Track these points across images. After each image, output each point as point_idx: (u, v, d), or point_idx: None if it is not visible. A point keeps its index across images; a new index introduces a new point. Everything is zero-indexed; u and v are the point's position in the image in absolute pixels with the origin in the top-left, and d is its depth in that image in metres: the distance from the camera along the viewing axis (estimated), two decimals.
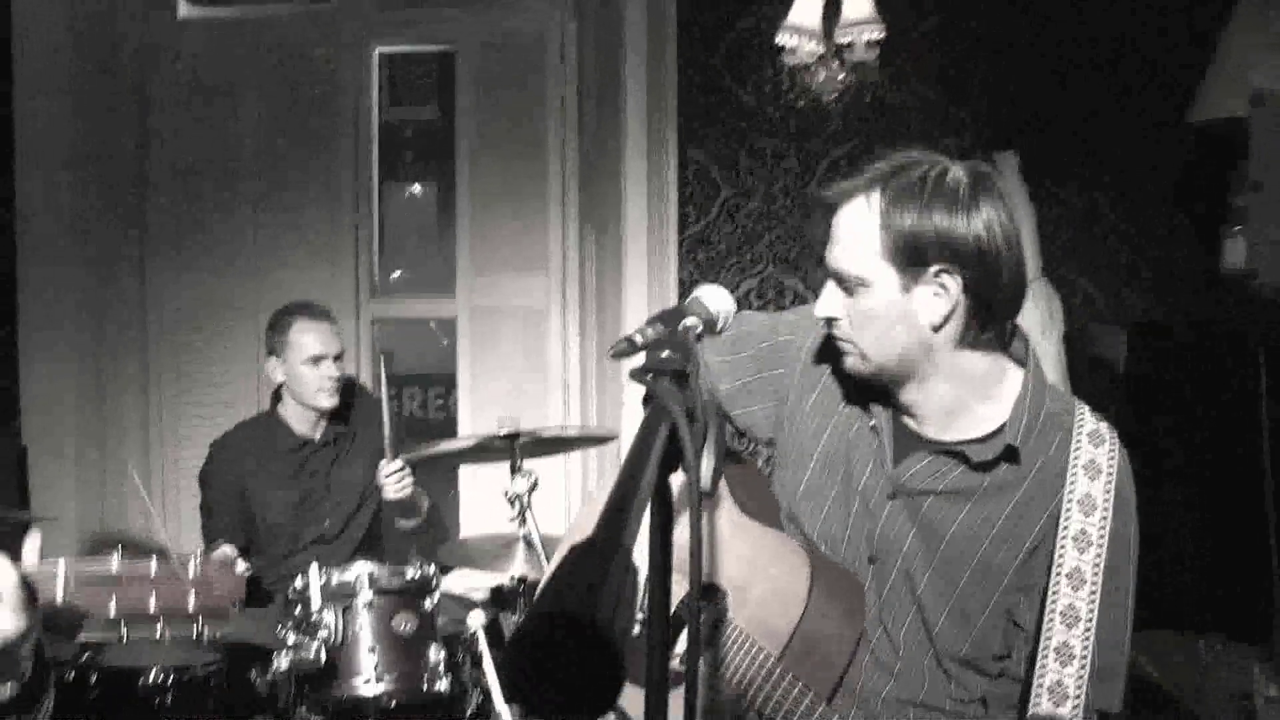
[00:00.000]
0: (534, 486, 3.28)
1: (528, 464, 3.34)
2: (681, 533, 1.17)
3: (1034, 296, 4.00)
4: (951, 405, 1.85)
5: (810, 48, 4.22)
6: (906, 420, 1.91)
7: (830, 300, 1.83)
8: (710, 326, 1.60)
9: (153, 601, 1.86)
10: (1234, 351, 3.54)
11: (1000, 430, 1.83)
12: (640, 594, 1.98)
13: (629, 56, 4.33)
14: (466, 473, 5.01)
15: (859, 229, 1.75)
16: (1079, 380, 3.92)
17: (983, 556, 1.83)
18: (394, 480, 3.58)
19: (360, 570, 3.08)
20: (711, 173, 4.45)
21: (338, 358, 3.79)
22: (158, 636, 1.86)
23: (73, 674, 3.09)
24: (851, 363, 1.85)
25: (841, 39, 4.22)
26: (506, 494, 3.28)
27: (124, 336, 4.99)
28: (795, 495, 2.00)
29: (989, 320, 1.78)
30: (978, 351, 1.82)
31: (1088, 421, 1.83)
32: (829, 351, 1.96)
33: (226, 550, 3.32)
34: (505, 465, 3.35)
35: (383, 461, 3.59)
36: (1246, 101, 2.77)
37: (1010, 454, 1.81)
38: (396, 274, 8.51)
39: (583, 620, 0.64)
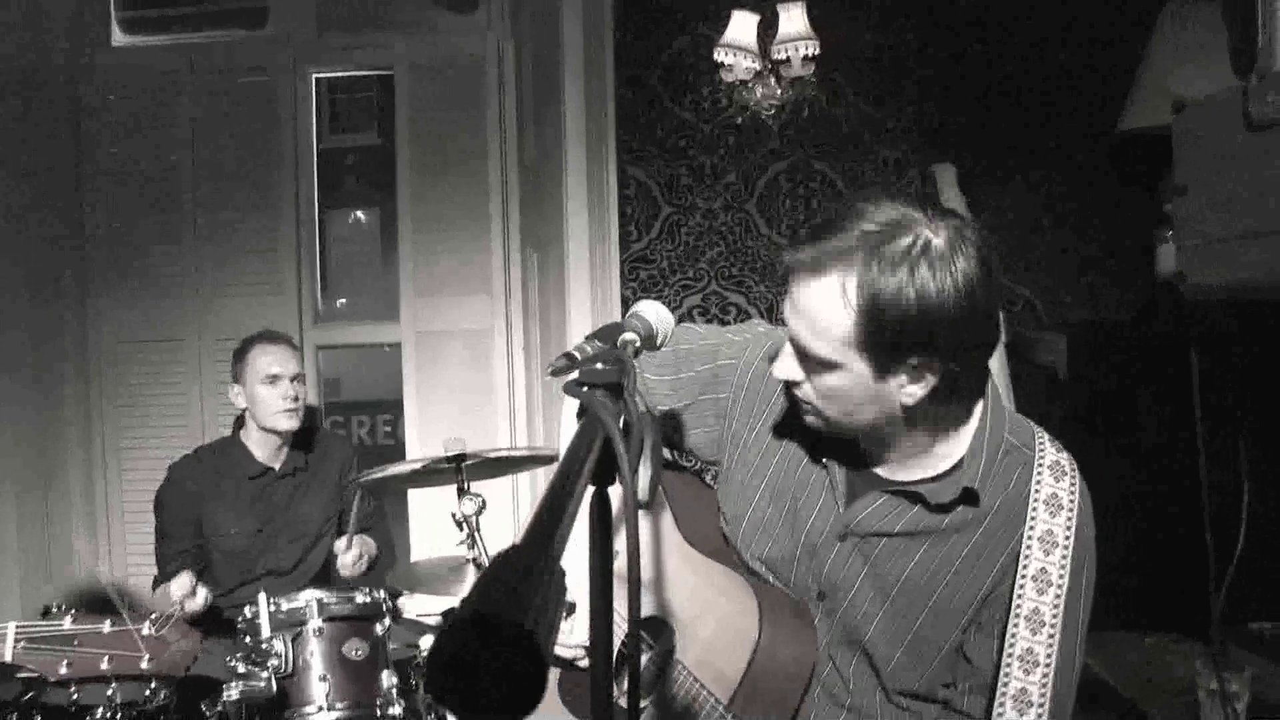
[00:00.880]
0: (482, 508, 3.28)
1: (475, 486, 3.34)
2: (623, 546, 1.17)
3: None
4: (909, 449, 1.77)
5: (747, 64, 4.28)
6: (859, 459, 1.83)
7: (790, 366, 1.69)
8: (649, 341, 1.59)
9: (104, 662, 1.83)
10: (1169, 353, 3.61)
11: (958, 466, 1.75)
12: (566, 610, 1.97)
13: (567, 77, 4.35)
14: (415, 496, 4.99)
15: (829, 313, 1.57)
16: (1021, 385, 3.97)
17: (939, 599, 1.76)
18: (349, 565, 3.61)
19: (309, 597, 3.07)
20: (652, 191, 4.48)
21: (295, 379, 3.80)
22: (108, 694, 1.83)
23: (14, 715, 3.04)
24: (811, 420, 1.74)
25: (778, 55, 4.27)
26: (455, 516, 3.28)
27: (64, 366, 4.94)
28: (740, 524, 1.94)
29: (963, 385, 1.68)
30: (948, 405, 1.71)
31: (1048, 453, 1.76)
32: (775, 380, 1.89)
33: (183, 581, 3.27)
34: (453, 488, 3.35)
35: (340, 542, 3.61)
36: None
37: (968, 496, 1.73)
38: (341, 301, 8.47)
39: (504, 622, 0.65)
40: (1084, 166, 4.38)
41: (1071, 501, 1.72)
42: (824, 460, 1.84)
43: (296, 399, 3.79)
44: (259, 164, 5.00)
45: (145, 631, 1.92)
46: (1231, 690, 2.64)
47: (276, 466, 3.86)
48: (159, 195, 5.00)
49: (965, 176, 4.19)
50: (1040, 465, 1.75)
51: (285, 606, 3.05)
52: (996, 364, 4.00)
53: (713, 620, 1.85)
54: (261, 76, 5.00)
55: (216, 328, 4.97)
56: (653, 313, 1.64)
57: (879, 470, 1.81)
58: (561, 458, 1.01)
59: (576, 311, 4.24)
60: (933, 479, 1.77)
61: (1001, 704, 1.66)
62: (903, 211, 1.57)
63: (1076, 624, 1.71)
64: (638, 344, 1.52)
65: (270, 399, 3.77)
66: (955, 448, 1.76)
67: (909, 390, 1.62)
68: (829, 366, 1.61)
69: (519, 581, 0.71)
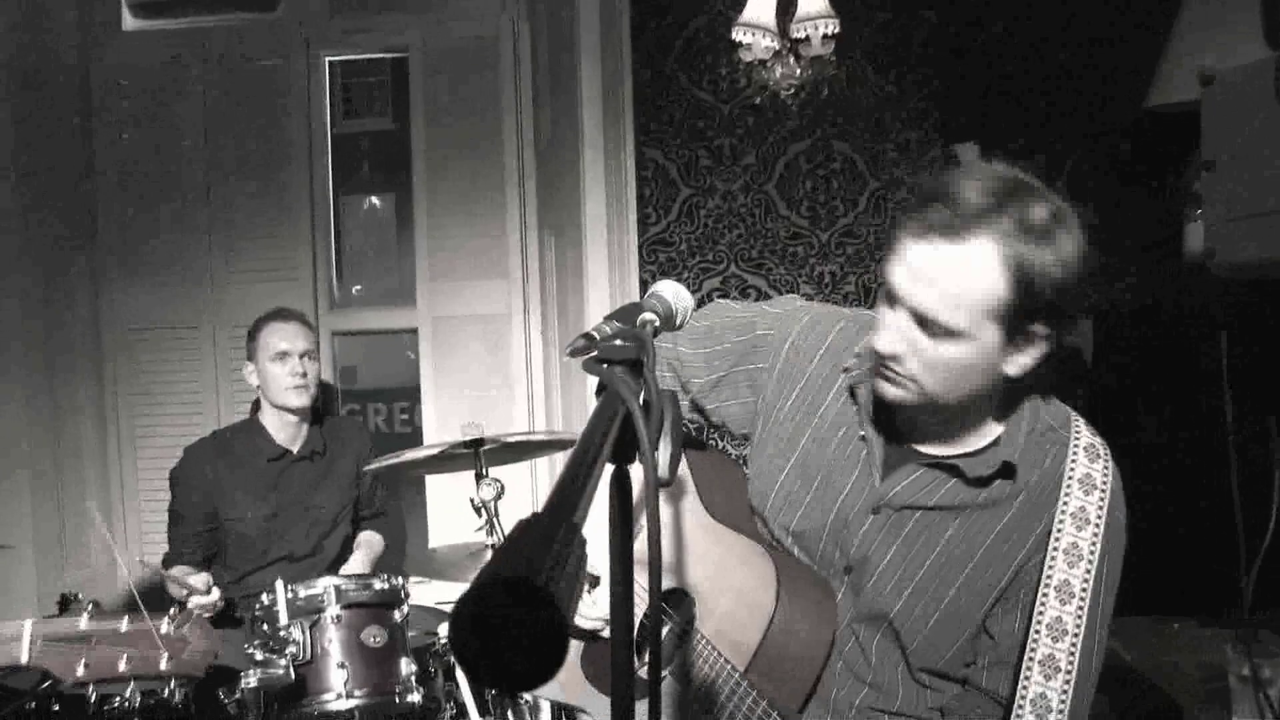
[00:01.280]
0: (500, 494, 3.28)
1: (493, 471, 3.34)
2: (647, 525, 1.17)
3: None
4: (961, 424, 1.80)
5: (766, 44, 4.25)
6: (899, 432, 1.87)
7: (896, 337, 1.67)
8: (668, 321, 1.59)
9: (123, 662, 1.82)
10: (1198, 335, 3.58)
11: (996, 443, 1.79)
12: (590, 584, 1.98)
13: (583, 58, 4.33)
14: (433, 482, 5.00)
15: (974, 280, 1.57)
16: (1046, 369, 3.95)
17: (969, 575, 1.80)
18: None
19: (327, 584, 3.08)
20: (670, 173, 4.46)
21: (305, 355, 3.81)
22: (126, 694, 1.81)
23: (33, 703, 3.05)
24: (897, 394, 1.73)
25: (797, 34, 4.24)
26: (473, 502, 3.27)
27: (76, 355, 4.96)
28: (768, 497, 1.96)
29: (1052, 354, 1.69)
30: (1034, 376, 1.73)
31: (1083, 435, 1.80)
32: (811, 350, 1.94)
33: (203, 578, 3.28)
34: (471, 473, 3.35)
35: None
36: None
37: (1007, 470, 1.77)
38: (356, 287, 8.49)
39: (522, 583, 0.66)
40: (1110, 145, 4.33)
41: (1105, 483, 1.75)
42: (863, 433, 1.86)
43: (305, 374, 3.79)
44: (272, 150, 5.01)
45: (164, 630, 1.90)
46: (1265, 676, 2.62)
47: (295, 449, 3.87)
48: (171, 182, 5.02)
49: (987, 156, 4.16)
50: (1076, 446, 1.78)
51: (303, 593, 3.05)
52: None
53: (732, 591, 1.88)
54: (273, 60, 5.00)
55: (230, 315, 4.98)
56: (671, 292, 1.65)
57: (917, 445, 1.84)
58: (581, 434, 1.00)
59: (594, 295, 4.24)
60: (971, 454, 1.80)
61: (1029, 669, 1.69)
62: (1024, 178, 1.61)
63: (1102, 601, 1.74)
64: (657, 323, 1.53)
65: (279, 375, 3.78)
66: (996, 422, 1.80)
67: (1020, 359, 1.65)
68: (954, 335, 1.61)
69: (539, 546, 0.71)
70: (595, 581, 1.98)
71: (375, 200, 9.09)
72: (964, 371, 1.66)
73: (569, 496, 0.80)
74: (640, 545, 1.25)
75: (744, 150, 4.48)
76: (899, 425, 1.85)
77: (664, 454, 1.13)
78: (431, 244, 5.01)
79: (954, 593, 1.81)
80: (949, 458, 1.81)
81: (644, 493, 1.04)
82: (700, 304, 1.76)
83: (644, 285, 4.43)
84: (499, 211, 4.96)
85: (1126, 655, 3.05)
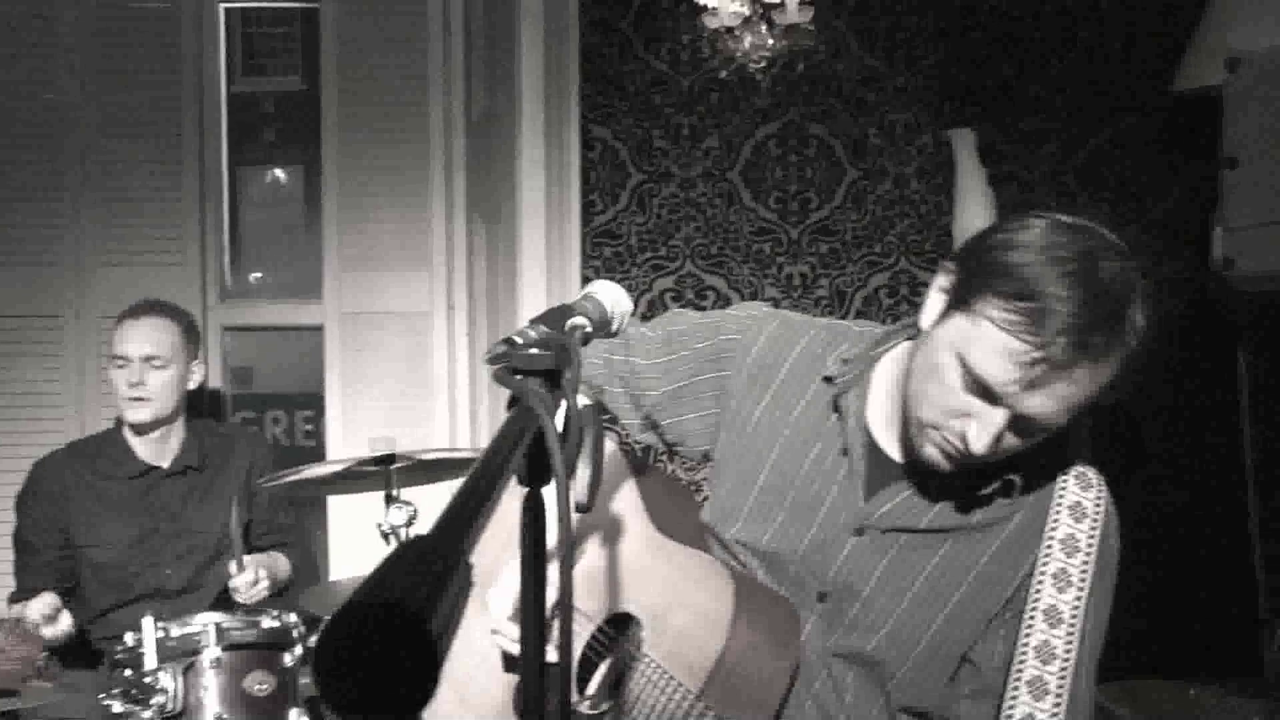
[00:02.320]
0: (413, 519, 3.29)
1: (407, 493, 3.34)
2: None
3: None
4: None
5: (734, 8, 4.29)
6: (885, 448, 1.93)
7: (991, 438, 1.73)
8: (603, 327, 1.63)
9: None
10: (1219, 353, 3.64)
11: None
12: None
13: (523, 20, 4.35)
14: (337, 505, 4.98)
15: (1091, 395, 1.69)
16: None
17: (960, 602, 1.87)
18: (244, 591, 3.50)
19: (206, 621, 3.06)
20: (620, 154, 4.48)
21: (151, 361, 3.73)
22: None
23: None
24: (947, 466, 1.81)
25: None
26: (381, 528, 3.28)
27: None
28: (732, 515, 2.01)
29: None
30: None
31: (1075, 463, 1.90)
32: (781, 357, 2.00)
33: (46, 601, 3.25)
34: (381, 495, 3.35)
35: (231, 564, 3.52)
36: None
37: (1006, 488, 1.85)
38: (254, 275, 8.44)
39: (394, 610, 0.69)
40: (1131, 134, 4.38)
41: (1097, 510, 1.85)
42: (843, 445, 1.92)
43: (143, 385, 3.71)
44: (156, 109, 4.96)
45: None
46: None
47: (165, 464, 3.82)
48: (33, 142, 4.94)
49: (985, 145, 4.21)
50: (1065, 473, 1.87)
51: (176, 632, 3.03)
52: None
53: (685, 609, 1.91)
54: (161, 2, 4.97)
55: (98, 304, 4.91)
56: (608, 295, 1.69)
57: (904, 460, 1.91)
58: (484, 449, 1.03)
59: (529, 292, 4.26)
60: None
61: (1016, 689, 1.78)
62: (1128, 266, 1.71)
63: (1092, 630, 1.83)
64: (588, 329, 1.56)
65: (117, 384, 3.74)
66: None
67: None
68: (1047, 433, 1.73)
69: (416, 571, 0.74)
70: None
71: (279, 173, 9.03)
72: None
73: (458, 519, 0.83)
74: (573, 572, 1.28)
75: (705, 131, 4.50)
76: (890, 441, 1.93)
77: (582, 476, 1.16)
78: (343, 228, 4.99)
79: (941, 623, 1.87)
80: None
81: (558, 520, 1.06)
82: (651, 308, 1.79)
83: (586, 283, 4.42)
84: (422, 192, 4.95)
85: None
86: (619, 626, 2.03)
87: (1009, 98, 4.38)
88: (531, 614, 1.14)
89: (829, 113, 4.49)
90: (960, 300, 1.72)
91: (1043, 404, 1.67)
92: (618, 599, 2.01)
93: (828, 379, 1.95)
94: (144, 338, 3.75)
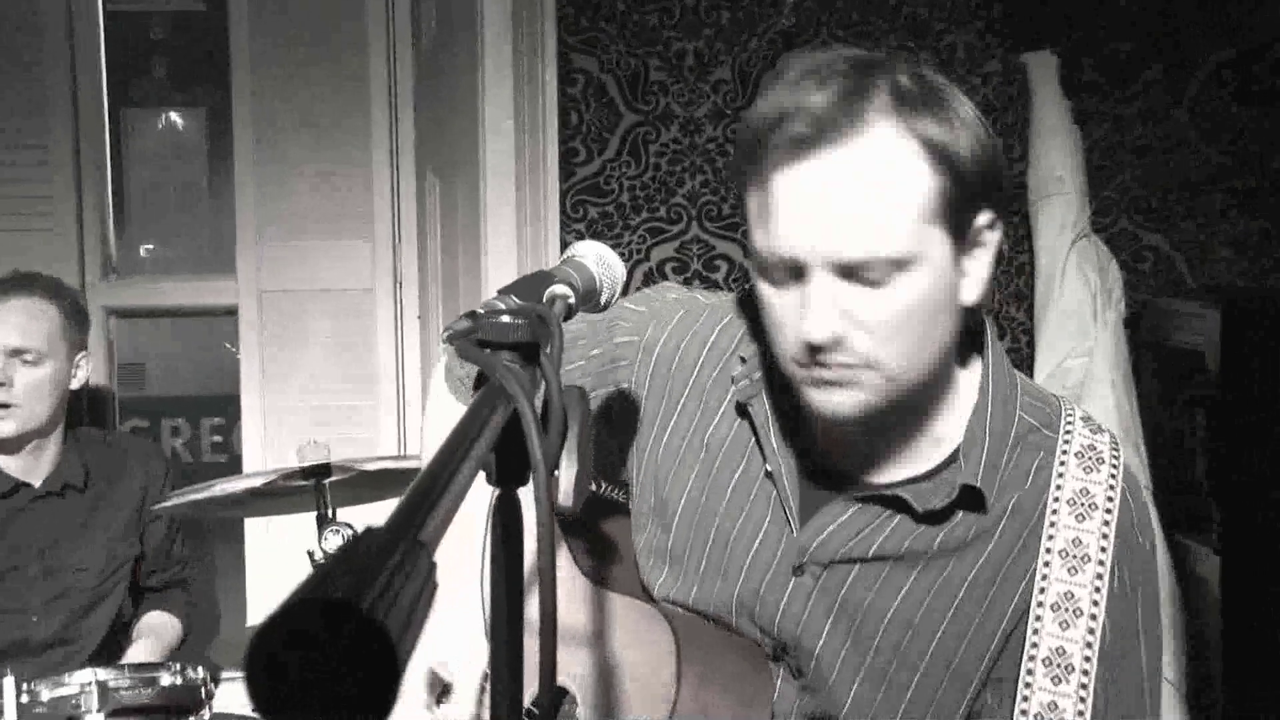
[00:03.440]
0: None
1: (345, 513, 3.37)
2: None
3: (1079, 261, 4.09)
4: (897, 430, 1.83)
5: None
6: (818, 457, 1.89)
7: (828, 312, 1.65)
8: (588, 297, 1.64)
9: None
10: None
11: (953, 458, 1.81)
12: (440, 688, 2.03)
13: None
14: (255, 529, 5.01)
15: (882, 182, 1.61)
16: (1148, 378, 3.96)
17: (938, 650, 1.81)
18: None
19: (85, 679, 3.05)
20: (608, 90, 4.47)
21: (21, 354, 3.70)
22: None
23: None
24: (855, 400, 1.71)
25: None
26: (313, 556, 3.29)
27: None
28: (655, 569, 2.01)
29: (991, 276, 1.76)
30: (973, 315, 1.80)
31: (1077, 435, 1.82)
32: (689, 358, 1.97)
33: None
34: (312, 515, 3.38)
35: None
36: None
37: (969, 498, 1.78)
38: (147, 246, 8.46)
39: (341, 607, 0.69)
40: (1254, 72, 4.39)
41: (1110, 500, 1.76)
42: (768, 468, 1.88)
43: (6, 386, 3.66)
44: (14, 35, 4.94)
45: None
46: None
47: (36, 483, 3.79)
48: None
49: (1070, 72, 4.22)
50: (1065, 452, 1.80)
51: (47, 695, 3.01)
52: (1109, 341, 4.02)
53: (622, 673, 1.91)
54: None
55: None
56: (594, 256, 1.69)
57: (845, 467, 1.87)
58: (444, 440, 1.02)
59: (495, 264, 4.27)
60: (920, 478, 1.83)
61: None
62: (861, 53, 1.70)
63: (1131, 680, 1.76)
64: (571, 300, 1.56)
65: None
66: (946, 427, 1.83)
67: (975, 271, 1.71)
68: (902, 265, 1.62)
69: (368, 564, 0.75)
70: (445, 689, 1.99)
71: (175, 117, 9.01)
72: (930, 316, 1.68)
73: (415, 509, 0.84)
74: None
75: (715, 59, 4.48)
76: (820, 447, 1.88)
77: (566, 472, 1.18)
78: (260, 186, 5.00)
79: (922, 673, 1.82)
80: (888, 486, 1.82)
81: (538, 524, 1.08)
82: (648, 283, 1.80)
83: (566, 249, 4.42)
84: (360, 142, 4.97)
85: None
86: (553, 702, 2.01)
87: (1099, 13, 4.38)
88: (504, 657, 1.14)
89: (870, 33, 4.46)
90: (744, 214, 1.74)
91: (837, 228, 1.62)
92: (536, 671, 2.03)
93: (734, 379, 1.93)
94: (12, 324, 3.70)
